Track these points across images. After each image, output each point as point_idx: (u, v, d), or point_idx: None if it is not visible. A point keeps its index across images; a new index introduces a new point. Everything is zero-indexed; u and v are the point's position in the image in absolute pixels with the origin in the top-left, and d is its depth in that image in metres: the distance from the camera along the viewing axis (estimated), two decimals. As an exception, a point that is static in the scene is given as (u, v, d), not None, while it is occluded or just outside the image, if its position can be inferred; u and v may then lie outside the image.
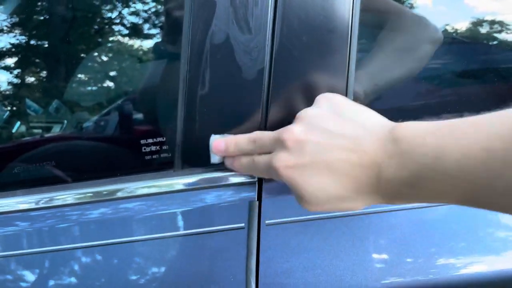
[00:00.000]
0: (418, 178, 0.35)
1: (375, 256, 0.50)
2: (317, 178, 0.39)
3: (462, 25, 0.61)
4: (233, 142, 0.48)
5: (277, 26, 0.48)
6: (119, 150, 0.57)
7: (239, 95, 0.49)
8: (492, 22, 0.62)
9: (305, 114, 0.42)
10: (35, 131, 0.68)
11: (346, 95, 0.49)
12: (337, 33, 0.48)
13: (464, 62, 0.62)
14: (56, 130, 0.66)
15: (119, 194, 0.52)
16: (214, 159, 0.50)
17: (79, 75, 0.67)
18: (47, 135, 0.66)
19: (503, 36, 0.62)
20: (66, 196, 0.53)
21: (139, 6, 0.62)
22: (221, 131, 0.50)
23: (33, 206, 0.54)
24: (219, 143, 0.48)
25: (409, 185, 0.36)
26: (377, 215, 0.50)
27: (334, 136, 0.40)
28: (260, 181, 0.52)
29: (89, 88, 0.67)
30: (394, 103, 0.60)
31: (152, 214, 0.52)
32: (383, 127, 0.39)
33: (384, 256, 0.50)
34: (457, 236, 0.51)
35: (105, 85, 0.67)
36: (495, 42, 0.63)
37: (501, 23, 0.62)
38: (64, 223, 0.53)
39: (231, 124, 0.50)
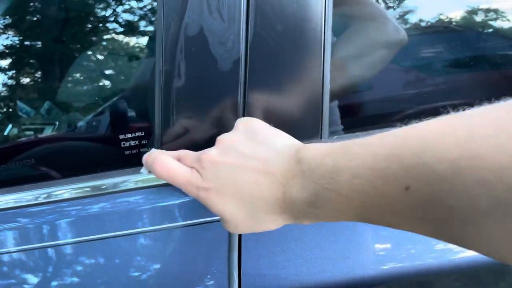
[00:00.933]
0: (317, 198, 0.36)
1: (356, 244, 0.49)
2: (231, 204, 0.40)
3: (456, 14, 0.61)
4: (154, 152, 0.48)
5: (251, 16, 0.48)
6: (100, 147, 0.58)
7: (216, 87, 0.49)
8: (487, 10, 0.61)
9: (223, 138, 0.44)
10: (27, 133, 0.69)
11: (322, 82, 0.49)
12: (311, 21, 0.48)
13: (459, 50, 0.62)
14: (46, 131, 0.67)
15: (102, 191, 0.53)
16: (143, 170, 0.50)
17: (71, 75, 0.68)
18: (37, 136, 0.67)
19: (498, 24, 0.61)
20: (54, 192, 0.54)
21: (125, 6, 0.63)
22: (199, 123, 0.50)
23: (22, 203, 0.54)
24: (147, 156, 0.48)
25: (311, 205, 0.36)
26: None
27: (247, 158, 0.40)
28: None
29: (70, 87, 0.68)
30: (388, 93, 0.60)
31: (135, 209, 0.52)
32: (292, 149, 0.40)
33: (366, 244, 0.49)
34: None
35: (85, 84, 0.68)
36: (490, 30, 0.62)
37: (496, 11, 0.61)
38: (49, 219, 0.53)
39: (209, 116, 0.50)
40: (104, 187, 0.53)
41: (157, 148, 0.51)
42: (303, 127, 0.51)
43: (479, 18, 0.62)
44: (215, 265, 0.50)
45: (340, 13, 0.55)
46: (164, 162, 0.44)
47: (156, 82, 0.50)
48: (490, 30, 0.62)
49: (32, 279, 0.52)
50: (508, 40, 0.63)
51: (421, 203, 0.30)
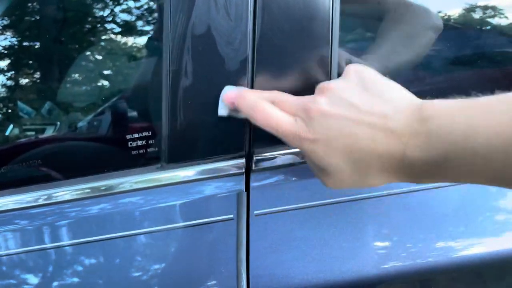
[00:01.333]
0: (446, 158, 0.34)
1: (365, 243, 0.49)
2: (340, 158, 0.38)
3: (455, 11, 0.61)
4: (247, 94, 0.44)
5: (258, 15, 0.48)
6: (107, 147, 0.57)
7: (223, 86, 0.49)
8: (485, 8, 0.61)
9: (333, 85, 0.40)
10: (28, 133, 0.68)
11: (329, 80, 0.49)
12: (318, 20, 0.48)
13: (459, 47, 0.62)
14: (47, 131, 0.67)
15: (109, 190, 0.53)
16: (222, 110, 0.47)
17: (71, 75, 0.67)
18: (39, 136, 0.66)
19: (496, 20, 0.61)
20: (56, 193, 0.54)
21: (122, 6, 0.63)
22: (206, 123, 0.50)
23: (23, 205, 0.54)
24: (231, 92, 0.45)
25: (436, 165, 0.35)
26: (367, 201, 0.50)
27: (361, 112, 0.38)
28: (248, 171, 0.51)
29: (74, 87, 0.68)
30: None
31: (141, 209, 0.52)
32: (412, 105, 0.38)
33: (375, 242, 0.49)
34: (454, 219, 0.51)
35: (90, 84, 0.67)
36: (488, 27, 0.62)
37: (494, 8, 0.61)
38: (51, 220, 0.53)
39: (217, 115, 0.50)
40: (107, 187, 0.53)
41: None
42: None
43: (477, 15, 0.62)
44: (223, 264, 0.50)
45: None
46: (266, 110, 0.41)
47: (163, 82, 0.50)
48: (489, 27, 0.62)
49: (33, 279, 0.52)
50: (507, 37, 0.63)
51: None
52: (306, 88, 0.49)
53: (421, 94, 0.40)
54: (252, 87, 0.49)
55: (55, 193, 0.54)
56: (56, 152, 0.62)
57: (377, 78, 0.41)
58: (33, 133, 0.68)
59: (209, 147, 0.51)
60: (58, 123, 0.67)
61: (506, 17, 0.61)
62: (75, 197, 0.53)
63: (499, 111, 0.32)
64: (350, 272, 0.48)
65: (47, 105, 0.69)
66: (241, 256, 0.50)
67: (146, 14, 0.63)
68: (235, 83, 0.49)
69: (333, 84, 0.41)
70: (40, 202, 0.53)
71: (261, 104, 0.42)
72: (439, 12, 0.60)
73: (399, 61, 0.56)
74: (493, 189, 0.49)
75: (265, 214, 0.50)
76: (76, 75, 0.67)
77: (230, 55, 0.49)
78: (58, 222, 0.53)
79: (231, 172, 0.51)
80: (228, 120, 0.49)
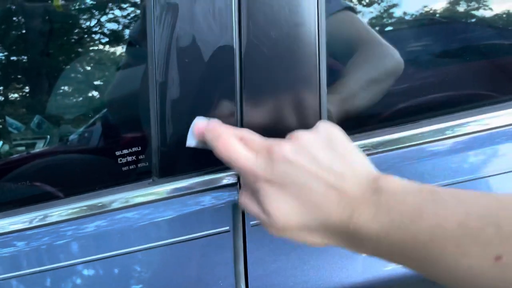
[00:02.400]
0: (387, 235, 0.34)
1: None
2: (290, 205, 0.38)
3: (439, 6, 0.60)
4: (216, 126, 0.44)
5: (243, 23, 0.47)
6: (96, 164, 0.57)
7: (211, 96, 0.48)
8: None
9: (301, 135, 0.41)
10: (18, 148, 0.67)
11: (319, 87, 0.48)
12: (305, 26, 0.47)
13: (444, 41, 0.62)
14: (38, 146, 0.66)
15: (100, 209, 0.52)
16: (191, 141, 0.46)
17: (60, 88, 0.66)
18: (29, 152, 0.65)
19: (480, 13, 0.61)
20: (50, 213, 0.53)
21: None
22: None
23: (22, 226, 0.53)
24: (202, 122, 0.46)
25: (377, 239, 0.35)
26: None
27: (321, 167, 0.38)
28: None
29: (62, 100, 0.67)
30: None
31: (135, 226, 0.51)
32: (370, 174, 0.38)
33: None
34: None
35: (76, 97, 0.66)
36: (473, 20, 0.62)
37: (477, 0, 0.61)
38: (47, 241, 0.52)
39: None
40: (98, 205, 0.52)
41: None
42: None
43: (461, 8, 0.61)
44: (222, 278, 0.49)
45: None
46: (228, 142, 0.42)
47: (150, 95, 0.49)
48: (473, 19, 0.61)
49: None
50: (493, 29, 0.63)
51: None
52: (295, 94, 0.49)
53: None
54: (241, 95, 0.48)
55: (50, 213, 0.53)
56: (46, 169, 0.61)
57: (344, 139, 0.41)
58: (23, 148, 0.67)
59: (201, 159, 0.50)
60: (48, 137, 0.66)
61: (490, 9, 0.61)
62: (66, 217, 0.52)
63: (445, 204, 0.33)
64: (350, 278, 0.48)
65: (37, 118, 0.68)
66: (239, 268, 0.49)
67: (133, 24, 0.61)
68: (224, 92, 0.48)
69: (302, 135, 0.41)
70: (34, 223, 0.52)
71: (226, 136, 0.42)
72: (425, 6, 0.59)
73: (358, 103, 0.57)
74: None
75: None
76: (63, 89, 0.66)
77: (217, 65, 0.48)
78: (55, 242, 0.52)
79: (224, 183, 0.51)
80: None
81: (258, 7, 0.47)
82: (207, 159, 0.50)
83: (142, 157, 0.53)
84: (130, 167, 0.53)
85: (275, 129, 0.48)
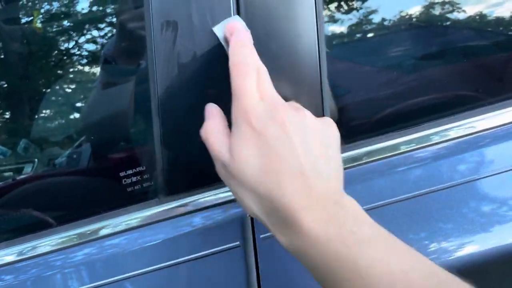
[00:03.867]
0: (327, 242, 0.35)
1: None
2: (257, 160, 0.37)
3: (415, 10, 0.62)
4: (246, 45, 0.41)
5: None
6: (98, 186, 0.55)
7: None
8: (443, 3, 0.63)
9: (309, 117, 0.40)
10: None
11: (321, 95, 0.49)
12: (304, 37, 0.48)
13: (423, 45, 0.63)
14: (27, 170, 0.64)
15: (104, 232, 0.50)
16: (218, 29, 0.44)
17: (44, 111, 0.65)
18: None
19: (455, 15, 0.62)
20: (47, 242, 0.51)
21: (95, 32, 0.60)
22: (202, 149, 0.48)
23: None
24: (240, 25, 0.43)
25: (314, 239, 0.35)
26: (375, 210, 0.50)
27: (306, 154, 0.37)
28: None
29: (56, 122, 0.65)
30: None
31: (143, 247, 0.50)
32: (339, 187, 0.39)
33: None
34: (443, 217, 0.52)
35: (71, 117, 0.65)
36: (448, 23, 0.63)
37: (451, 3, 0.63)
38: (49, 271, 0.50)
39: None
40: (103, 228, 0.51)
41: None
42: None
43: (437, 11, 0.63)
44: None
45: None
46: (245, 70, 0.39)
47: (152, 112, 0.48)
48: (449, 22, 0.63)
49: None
50: (469, 31, 0.65)
51: None
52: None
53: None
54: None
55: (43, 242, 0.51)
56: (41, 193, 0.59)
57: (338, 146, 0.41)
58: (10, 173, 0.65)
59: (206, 175, 0.50)
60: (36, 160, 0.64)
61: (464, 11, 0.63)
62: (69, 243, 0.50)
63: (394, 248, 0.35)
64: None
65: (23, 142, 0.66)
66: (253, 282, 0.49)
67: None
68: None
69: (310, 118, 0.40)
70: (36, 252, 0.50)
71: (246, 62, 0.40)
72: (401, 11, 0.60)
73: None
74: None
75: (272, 236, 0.49)
76: (51, 110, 0.64)
77: (218, 78, 0.47)
78: (44, 273, 0.50)
79: (232, 198, 0.50)
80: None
81: (257, 20, 0.47)
82: (211, 174, 0.50)
83: (147, 176, 0.52)
84: (135, 187, 0.52)
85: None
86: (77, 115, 0.64)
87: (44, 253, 0.51)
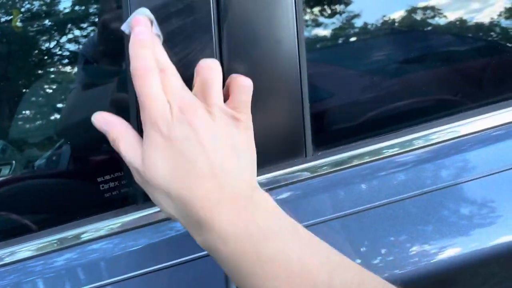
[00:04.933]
0: (234, 241, 0.36)
1: (369, 256, 0.50)
2: (168, 164, 0.37)
3: (398, 14, 0.62)
4: (145, 44, 0.38)
5: (224, 42, 0.47)
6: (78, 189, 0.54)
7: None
8: (424, 8, 0.63)
9: (218, 112, 0.39)
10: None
11: (301, 100, 0.49)
12: (285, 42, 0.47)
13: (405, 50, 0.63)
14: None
15: (84, 237, 0.50)
16: (125, 27, 0.41)
17: (23, 111, 0.63)
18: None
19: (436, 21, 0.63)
20: (26, 247, 0.50)
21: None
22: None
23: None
24: (143, 20, 0.40)
25: (223, 237, 0.36)
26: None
27: (217, 153, 0.37)
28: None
29: (35, 123, 0.64)
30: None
31: (122, 252, 0.49)
32: (251, 183, 0.40)
33: (378, 256, 0.50)
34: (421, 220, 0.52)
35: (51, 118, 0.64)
36: (429, 28, 0.64)
37: (433, 9, 0.63)
38: (29, 276, 0.50)
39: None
40: (81, 234, 0.50)
41: None
42: (286, 146, 0.51)
43: (418, 16, 0.63)
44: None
45: None
46: (146, 75, 0.38)
47: (130, 113, 0.47)
48: (430, 27, 0.64)
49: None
50: (450, 37, 0.65)
51: None
52: (279, 109, 0.49)
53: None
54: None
55: (22, 248, 0.50)
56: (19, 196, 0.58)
57: (252, 142, 0.42)
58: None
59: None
60: (14, 162, 0.63)
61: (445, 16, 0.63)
62: (47, 249, 0.49)
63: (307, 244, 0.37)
64: None
65: (0, 144, 0.65)
66: (231, 286, 0.49)
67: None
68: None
69: (221, 115, 0.40)
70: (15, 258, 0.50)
71: (146, 67, 0.38)
72: (384, 16, 0.60)
73: None
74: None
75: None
76: (30, 111, 0.63)
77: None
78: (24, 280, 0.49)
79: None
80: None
81: (238, 25, 0.46)
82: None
83: (125, 182, 0.52)
84: (113, 193, 0.51)
85: (261, 143, 0.47)
86: (56, 116, 0.63)
87: (23, 258, 0.50)
